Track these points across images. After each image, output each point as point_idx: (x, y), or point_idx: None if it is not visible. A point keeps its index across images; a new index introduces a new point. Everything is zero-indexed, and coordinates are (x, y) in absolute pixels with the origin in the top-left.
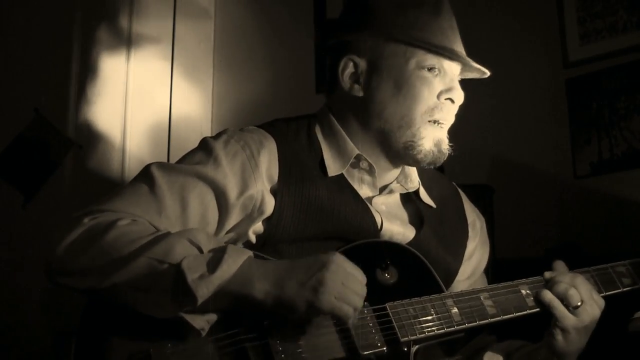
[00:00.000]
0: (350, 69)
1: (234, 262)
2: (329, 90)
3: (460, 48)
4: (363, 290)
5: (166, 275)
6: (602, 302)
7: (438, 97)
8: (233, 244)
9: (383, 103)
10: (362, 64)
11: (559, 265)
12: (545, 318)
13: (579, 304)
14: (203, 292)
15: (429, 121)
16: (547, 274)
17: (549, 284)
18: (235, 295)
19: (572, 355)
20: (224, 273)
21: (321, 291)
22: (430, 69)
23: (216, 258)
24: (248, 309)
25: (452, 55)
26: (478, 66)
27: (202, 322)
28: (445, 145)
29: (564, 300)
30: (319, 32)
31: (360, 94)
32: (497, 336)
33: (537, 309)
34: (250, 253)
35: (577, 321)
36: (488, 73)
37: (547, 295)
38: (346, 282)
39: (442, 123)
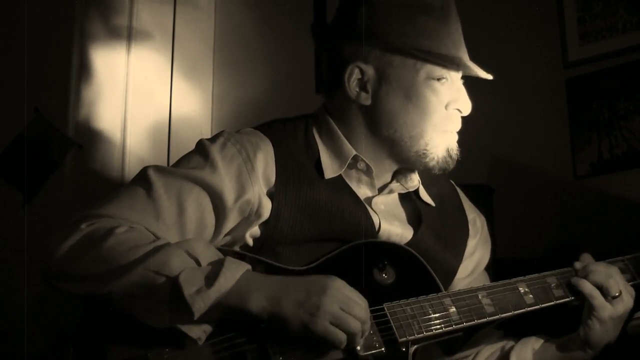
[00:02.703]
0: (356, 75)
1: (232, 275)
2: (328, 93)
3: (465, 53)
4: (363, 314)
5: (163, 288)
6: (633, 292)
7: (446, 107)
8: (230, 248)
9: (393, 113)
10: (370, 71)
11: (587, 257)
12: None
13: (617, 294)
14: (200, 306)
15: (438, 128)
16: (578, 264)
17: (584, 274)
18: (231, 308)
19: (603, 345)
20: (221, 287)
21: (318, 315)
22: (439, 79)
23: (214, 272)
24: (244, 321)
25: (462, 68)
26: (483, 74)
27: (198, 332)
28: (455, 151)
29: (602, 290)
30: (319, 34)
31: (368, 102)
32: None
33: (536, 307)
34: (248, 266)
35: (613, 311)
36: (490, 77)
37: (588, 286)
38: (345, 307)
39: (452, 132)
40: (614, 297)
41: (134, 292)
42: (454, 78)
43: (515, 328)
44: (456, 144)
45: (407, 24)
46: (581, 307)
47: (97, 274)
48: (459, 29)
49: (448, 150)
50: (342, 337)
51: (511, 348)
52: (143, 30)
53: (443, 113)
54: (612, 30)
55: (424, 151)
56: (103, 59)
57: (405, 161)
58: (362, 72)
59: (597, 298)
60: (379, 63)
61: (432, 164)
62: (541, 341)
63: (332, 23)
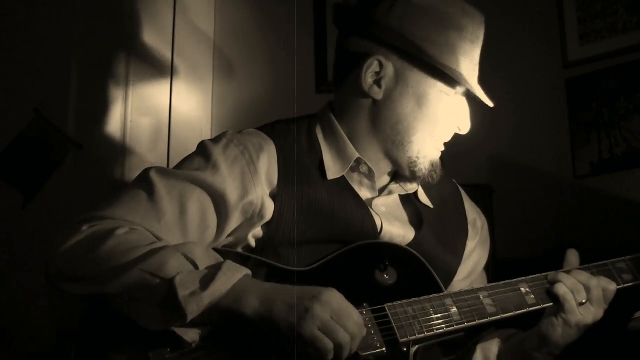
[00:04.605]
0: (374, 68)
1: (228, 280)
2: (338, 82)
3: (477, 76)
4: (355, 329)
5: (158, 290)
6: (605, 307)
7: (448, 122)
8: (232, 249)
9: (401, 116)
10: (389, 68)
11: (572, 255)
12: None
13: (584, 301)
14: (193, 309)
15: (431, 138)
16: (562, 271)
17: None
18: (226, 312)
19: (562, 347)
20: (215, 291)
21: (306, 318)
22: (448, 94)
23: (210, 275)
24: (239, 325)
25: (477, 95)
26: (488, 102)
27: (193, 335)
28: (439, 167)
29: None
30: (345, 18)
31: (379, 97)
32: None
33: (537, 307)
34: (246, 271)
35: (582, 319)
36: (491, 105)
37: (562, 289)
38: (336, 318)
39: (440, 148)
40: (580, 304)
41: (130, 294)
42: (461, 95)
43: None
44: (439, 160)
45: (440, 36)
46: None
47: (96, 275)
48: (479, 55)
49: (433, 165)
50: (330, 346)
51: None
52: (143, 30)
53: (444, 127)
54: (612, 30)
55: (416, 159)
56: (103, 58)
57: (399, 166)
58: (381, 66)
59: (570, 302)
60: (400, 64)
61: (419, 174)
62: (510, 333)
63: (362, 11)
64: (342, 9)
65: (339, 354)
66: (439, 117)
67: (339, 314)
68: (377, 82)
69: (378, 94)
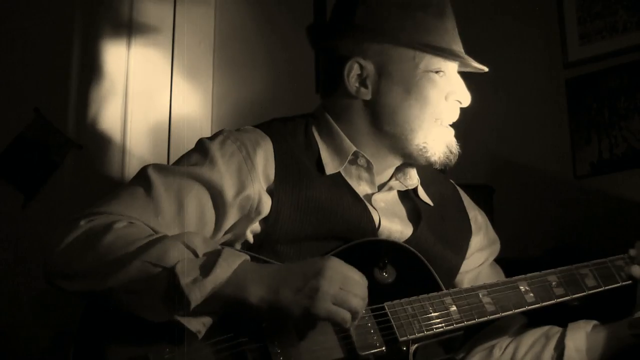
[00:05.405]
0: (355, 70)
1: (229, 265)
2: (327, 92)
3: (461, 47)
4: (363, 292)
5: (160, 279)
6: None
7: (446, 98)
8: (230, 246)
9: (394, 107)
10: (369, 67)
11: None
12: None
13: None
14: (196, 296)
15: (436, 120)
16: (632, 251)
17: (636, 261)
18: (229, 299)
19: None
20: (217, 277)
21: (317, 297)
22: (437, 71)
23: (210, 262)
24: (243, 313)
25: (459, 59)
26: (479, 66)
27: (198, 324)
28: (455, 145)
29: None
30: (315, 34)
31: (368, 97)
32: None
33: (536, 306)
34: (245, 256)
35: None
36: (486, 69)
37: (637, 271)
38: (344, 286)
39: (450, 127)
40: None
41: (132, 286)
42: (452, 70)
43: (538, 314)
44: (454, 138)
45: (406, 20)
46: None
47: (96, 270)
48: (454, 24)
49: (447, 146)
50: (347, 315)
51: (562, 334)
52: (143, 30)
53: (443, 105)
54: (612, 30)
55: (424, 145)
56: (103, 59)
57: (408, 156)
58: (361, 67)
59: None
60: (378, 58)
61: (433, 158)
62: (591, 324)
63: (329, 21)
64: (312, 28)
65: (355, 318)
66: (433, 98)
67: (346, 282)
68: (362, 83)
69: (366, 94)
